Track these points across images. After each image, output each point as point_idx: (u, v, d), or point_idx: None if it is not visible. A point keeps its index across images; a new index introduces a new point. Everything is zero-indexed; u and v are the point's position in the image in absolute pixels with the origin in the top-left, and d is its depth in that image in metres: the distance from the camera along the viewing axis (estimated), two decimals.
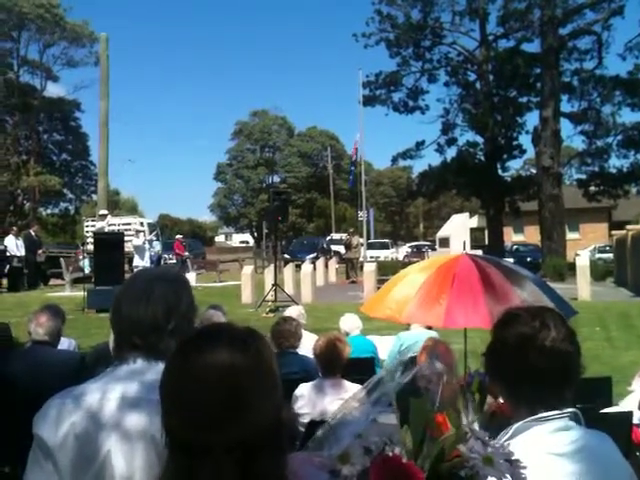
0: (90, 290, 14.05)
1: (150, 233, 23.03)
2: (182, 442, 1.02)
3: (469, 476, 1.19)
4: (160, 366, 1.38)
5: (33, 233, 20.84)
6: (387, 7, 31.65)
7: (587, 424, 1.57)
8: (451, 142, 33.13)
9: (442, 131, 33.25)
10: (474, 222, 41.02)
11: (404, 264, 20.42)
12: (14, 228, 20.95)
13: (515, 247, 36.16)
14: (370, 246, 34.63)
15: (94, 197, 43.72)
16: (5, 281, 19.38)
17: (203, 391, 1.01)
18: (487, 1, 31.02)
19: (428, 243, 42.82)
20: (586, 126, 30.23)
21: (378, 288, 7.49)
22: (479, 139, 32.18)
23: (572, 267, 18.76)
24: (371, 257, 29.82)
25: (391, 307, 4.27)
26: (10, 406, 3.49)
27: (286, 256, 30.89)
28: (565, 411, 1.52)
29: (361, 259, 24.90)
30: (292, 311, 6.24)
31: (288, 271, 18.21)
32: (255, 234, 68.88)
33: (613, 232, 25.79)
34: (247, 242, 74.87)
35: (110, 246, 14.58)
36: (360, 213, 33.62)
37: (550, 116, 26.21)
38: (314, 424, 3.09)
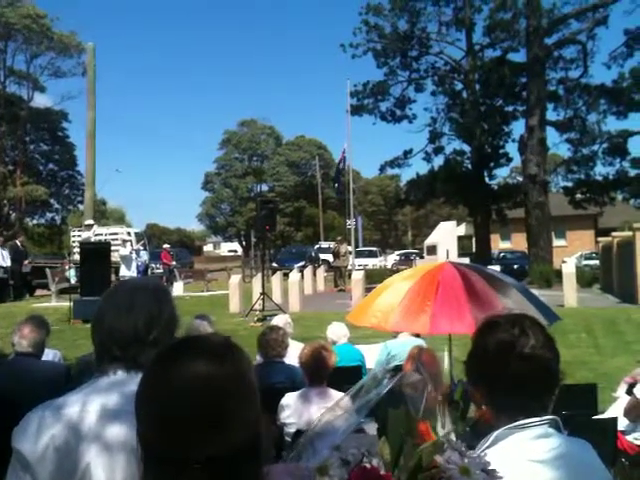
0: (76, 300, 13.96)
1: (137, 243, 22.95)
2: (158, 456, 1.00)
3: None
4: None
5: (19, 243, 20.69)
6: (374, 17, 31.90)
7: (573, 431, 1.57)
8: (438, 150, 33.34)
9: (429, 140, 33.47)
10: (462, 230, 41.20)
11: (392, 272, 20.44)
12: (0, 239, 20.79)
13: (502, 254, 36.32)
14: (358, 254, 34.63)
15: (81, 207, 43.46)
16: None
17: (179, 404, 0.99)
18: (473, 11, 31.36)
19: (416, 251, 42.87)
20: (572, 134, 30.53)
21: (366, 296, 7.51)
22: (466, 147, 32.48)
23: (559, 274, 18.85)
24: (359, 265, 29.81)
25: (377, 316, 4.28)
26: None
27: (274, 265, 30.83)
28: (545, 418, 1.53)
29: (349, 267, 24.89)
30: (279, 320, 6.22)
31: (276, 280, 18.18)
32: (243, 243, 68.80)
33: (599, 239, 25.95)
34: (235, 251, 74.77)
35: (96, 256, 14.48)
36: (348, 221, 33.61)
37: (536, 124, 26.41)
38: (300, 433, 3.07)
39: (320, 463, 1.21)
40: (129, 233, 23.62)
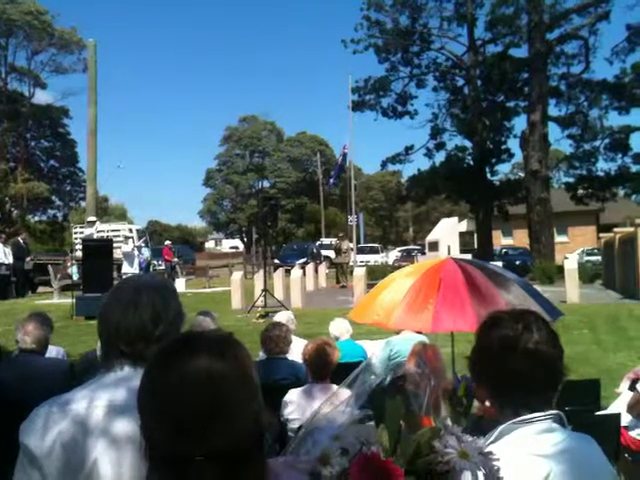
0: (79, 297, 13.98)
1: (139, 239, 22.99)
2: (162, 452, 1.01)
3: (445, 471, 1.21)
4: None
5: (21, 241, 20.71)
6: (375, 13, 31.88)
7: (576, 426, 1.58)
8: (440, 146, 33.30)
9: (431, 136, 33.43)
10: (463, 226, 41.16)
11: (394, 268, 20.44)
12: (2, 236, 20.78)
13: (504, 250, 36.27)
14: (360, 251, 34.65)
15: (83, 204, 43.56)
16: None
17: (181, 399, 1.00)
18: (475, 6, 31.27)
19: (418, 247, 42.86)
20: (574, 130, 30.50)
21: (368, 293, 7.52)
22: (468, 143, 32.42)
23: (561, 270, 18.86)
24: (361, 262, 29.83)
25: (379, 313, 4.28)
26: None
27: (276, 261, 30.85)
28: (549, 413, 1.54)
29: (351, 264, 24.89)
30: (281, 316, 6.23)
31: (278, 276, 18.19)
32: (245, 239, 68.81)
33: (601, 235, 25.93)
34: (237, 248, 74.70)
35: (99, 253, 14.50)
36: (350, 218, 33.61)
37: (538, 120, 26.39)
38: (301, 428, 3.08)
39: (320, 453, 1.22)
40: (131, 230, 23.67)
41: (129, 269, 18.40)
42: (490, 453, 1.22)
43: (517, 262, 28.94)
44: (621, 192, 34.43)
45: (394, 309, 4.28)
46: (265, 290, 14.53)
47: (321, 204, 59.85)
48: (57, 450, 1.43)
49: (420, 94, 41.94)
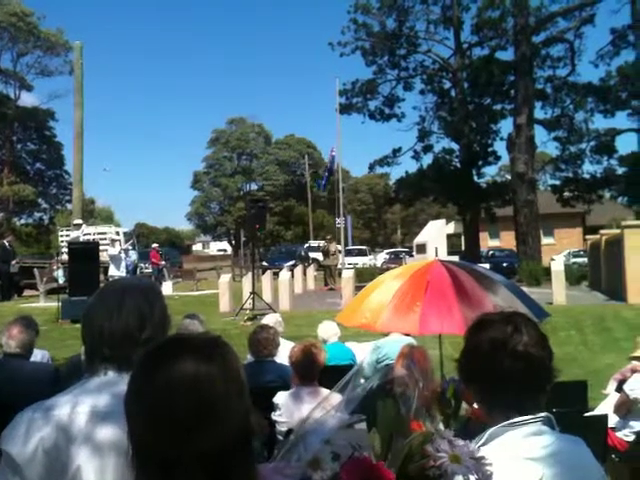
0: (64, 301, 13.88)
1: (126, 242, 22.83)
2: (150, 455, 1.01)
3: (437, 476, 1.20)
4: None
5: (7, 243, 20.52)
6: (362, 16, 31.92)
7: (563, 428, 1.57)
8: (427, 149, 33.40)
9: (418, 138, 33.52)
10: (451, 228, 41.30)
11: (382, 270, 20.46)
12: None
13: (491, 252, 36.49)
14: (348, 253, 34.66)
15: (69, 206, 43.26)
16: None
17: (167, 403, 1.00)
18: (461, 10, 31.43)
19: (406, 250, 42.94)
20: (560, 132, 30.69)
21: (356, 295, 7.52)
22: (455, 146, 32.54)
23: (547, 272, 18.96)
24: (349, 264, 29.82)
25: (366, 316, 4.27)
26: None
27: (264, 264, 30.81)
28: (538, 416, 1.53)
29: (339, 266, 24.90)
30: (269, 319, 6.21)
31: (266, 279, 18.15)
32: (233, 242, 68.65)
33: (587, 237, 26.12)
34: (225, 250, 74.59)
35: (85, 256, 14.38)
36: (338, 220, 33.66)
37: (524, 123, 26.53)
38: (292, 432, 3.07)
39: (311, 457, 1.21)
40: (118, 232, 23.49)
41: (116, 272, 18.27)
42: (482, 458, 1.21)
43: (504, 264, 29.09)
44: (607, 194, 34.69)
45: (382, 311, 4.28)
46: (253, 293, 14.48)
47: (309, 206, 59.87)
48: (39, 457, 1.41)
49: (407, 97, 42.18)
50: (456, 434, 1.46)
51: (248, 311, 14.08)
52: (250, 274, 15.83)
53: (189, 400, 1.00)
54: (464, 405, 2.14)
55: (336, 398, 1.71)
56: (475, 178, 32.41)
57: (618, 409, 4.79)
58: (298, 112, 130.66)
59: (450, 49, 32.41)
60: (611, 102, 29.26)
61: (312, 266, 27.02)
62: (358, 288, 14.03)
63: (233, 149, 70.39)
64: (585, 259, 27.22)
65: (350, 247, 38.92)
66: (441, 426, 1.73)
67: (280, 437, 3.75)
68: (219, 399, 1.02)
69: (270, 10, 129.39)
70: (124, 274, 18.54)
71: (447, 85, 33.55)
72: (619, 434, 4.75)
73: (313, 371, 4.05)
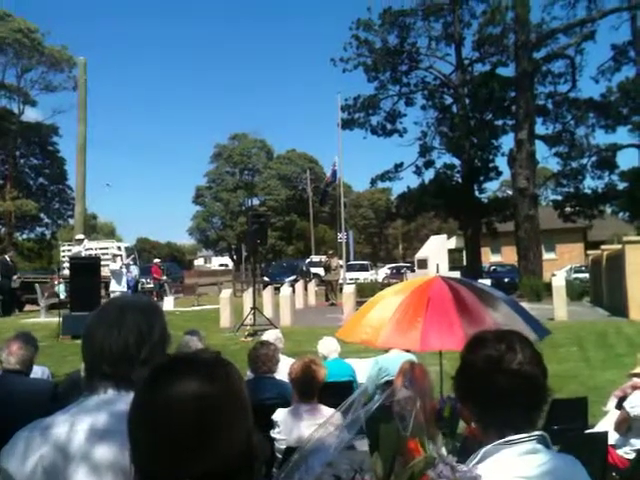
0: (65, 316, 13.86)
1: (127, 257, 22.85)
2: (152, 475, 1.01)
3: None
4: (131, 396, 1.36)
5: (8, 259, 20.55)
6: (364, 32, 32.12)
7: (564, 445, 1.58)
8: (429, 164, 33.48)
9: (420, 153, 33.62)
10: (452, 243, 41.29)
11: (383, 286, 20.45)
12: None
13: (493, 267, 36.44)
14: (349, 268, 34.64)
15: (71, 221, 43.33)
16: None
17: (172, 423, 1.00)
18: (462, 26, 31.66)
19: (407, 264, 42.89)
20: (561, 148, 30.76)
21: (357, 311, 7.50)
22: (456, 161, 32.65)
23: (549, 287, 18.92)
24: (350, 279, 29.79)
25: (367, 332, 4.27)
26: None
27: (265, 279, 30.78)
28: (533, 434, 1.53)
29: (340, 281, 24.87)
30: (269, 335, 6.20)
31: (267, 294, 18.14)
32: (234, 257, 68.64)
33: (589, 252, 26.10)
34: (226, 265, 74.49)
35: (86, 271, 14.38)
36: (339, 235, 33.64)
37: (525, 138, 26.59)
38: (291, 450, 3.06)
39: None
40: (119, 247, 23.52)
41: (117, 287, 18.26)
42: None
43: (506, 279, 29.06)
44: (608, 209, 34.71)
45: (382, 327, 4.28)
46: (254, 308, 14.46)
47: (311, 221, 59.89)
48: (38, 475, 1.41)
49: (409, 112, 42.39)
50: (453, 452, 1.46)
51: (249, 327, 14.05)
52: (251, 289, 15.81)
53: (192, 419, 1.00)
54: (463, 423, 2.15)
55: (338, 418, 1.71)
56: (476, 193, 32.50)
57: (618, 426, 4.77)
58: (300, 127, 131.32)
59: (451, 65, 32.67)
60: (612, 118, 29.35)
61: (313, 281, 26.99)
62: (359, 303, 14.02)
63: (235, 164, 70.60)
64: (587, 275, 27.17)
65: (352, 262, 38.91)
66: (443, 450, 1.73)
67: (279, 455, 3.73)
68: (222, 418, 1.02)
69: (272, 26, 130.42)
70: (125, 289, 18.54)
71: (448, 101, 33.76)
72: (620, 452, 4.72)
73: (312, 388, 4.04)
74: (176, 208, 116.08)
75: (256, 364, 4.80)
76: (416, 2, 31.20)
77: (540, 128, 30.11)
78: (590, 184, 32.00)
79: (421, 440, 1.72)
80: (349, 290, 17.37)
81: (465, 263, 33.85)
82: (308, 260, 42.19)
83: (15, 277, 20.16)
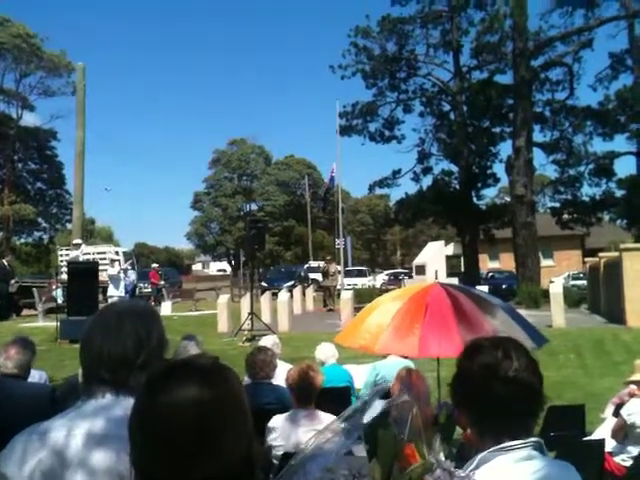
0: (63, 320, 13.84)
1: (125, 262, 22.82)
2: None
3: None
4: (129, 401, 1.36)
5: (6, 263, 20.52)
6: (363, 40, 32.20)
7: (561, 452, 1.58)
8: (427, 171, 33.56)
9: (418, 160, 33.70)
10: (450, 250, 41.32)
11: (381, 291, 20.47)
12: None
13: (491, 274, 36.46)
14: (347, 274, 34.63)
15: (69, 226, 43.26)
16: None
17: (172, 428, 1.00)
18: (461, 34, 31.77)
19: (405, 271, 42.90)
20: (558, 155, 30.81)
21: (355, 316, 7.51)
22: (454, 168, 32.71)
23: (546, 294, 18.93)
24: (348, 285, 29.79)
25: (365, 337, 4.28)
26: None
27: (263, 284, 30.79)
28: (528, 441, 1.54)
29: (338, 287, 24.87)
30: (267, 341, 6.19)
31: (265, 299, 18.12)
32: (232, 262, 68.58)
33: (586, 259, 26.13)
34: (224, 270, 74.40)
35: (84, 275, 14.39)
36: (337, 241, 33.70)
37: (523, 146, 26.67)
38: (288, 456, 3.06)
39: None
40: (117, 252, 23.50)
41: (115, 292, 18.24)
42: None
43: (504, 286, 29.07)
44: (606, 217, 34.74)
45: (380, 333, 4.28)
46: (252, 313, 14.46)
47: (309, 227, 59.91)
48: (36, 479, 1.42)
49: (407, 119, 42.44)
50: (449, 457, 1.47)
51: (246, 332, 14.04)
52: (249, 294, 15.81)
53: (192, 425, 1.00)
54: (460, 430, 2.15)
55: (337, 425, 1.72)
56: (474, 200, 32.55)
57: (615, 434, 4.78)
58: (298, 133, 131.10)
59: (449, 72, 32.76)
60: (610, 125, 29.41)
61: (311, 287, 26.99)
62: (357, 309, 14.03)
63: (234, 170, 70.63)
64: (584, 282, 27.20)
65: (350, 268, 38.93)
66: (442, 455, 1.73)
67: (275, 461, 3.73)
68: (222, 424, 1.02)
69: (271, 32, 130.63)
70: (123, 294, 18.52)
71: (446, 108, 33.86)
72: (617, 459, 4.72)
73: (310, 394, 4.04)
74: (174, 213, 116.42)
75: (254, 369, 4.81)
76: (414, 9, 31.40)
77: (538, 135, 30.25)
78: (588, 191, 32.16)
79: (417, 446, 1.73)
80: (347, 296, 17.38)
81: (463, 269, 33.87)
82: (306, 266, 42.21)
83: (13, 281, 20.12)
